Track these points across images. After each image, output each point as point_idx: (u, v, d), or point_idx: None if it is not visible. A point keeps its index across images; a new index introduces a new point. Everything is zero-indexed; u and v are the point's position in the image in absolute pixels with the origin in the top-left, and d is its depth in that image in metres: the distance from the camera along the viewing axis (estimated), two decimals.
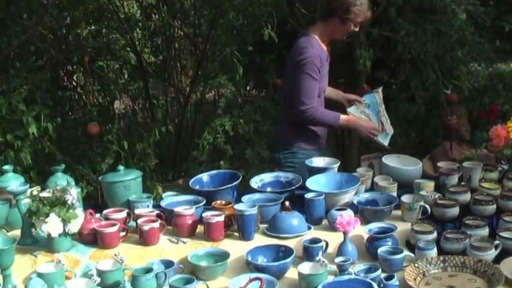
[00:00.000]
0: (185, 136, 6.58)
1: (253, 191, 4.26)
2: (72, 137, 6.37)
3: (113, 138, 5.87)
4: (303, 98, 4.55)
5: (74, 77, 6.93)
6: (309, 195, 3.98)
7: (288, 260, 3.50)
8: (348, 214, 3.66)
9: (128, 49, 7.25)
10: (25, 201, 3.77)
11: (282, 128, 4.94)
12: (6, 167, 4.24)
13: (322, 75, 4.67)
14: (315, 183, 4.22)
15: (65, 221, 3.63)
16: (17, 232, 4.05)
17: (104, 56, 7.10)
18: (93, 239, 3.80)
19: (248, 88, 7.59)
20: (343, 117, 4.71)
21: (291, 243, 3.72)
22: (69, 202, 3.68)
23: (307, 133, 4.76)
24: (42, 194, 3.71)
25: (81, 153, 6.07)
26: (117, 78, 7.29)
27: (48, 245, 3.75)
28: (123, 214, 3.97)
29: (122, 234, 3.83)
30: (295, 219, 3.83)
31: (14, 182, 4.08)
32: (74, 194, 3.71)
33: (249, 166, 5.51)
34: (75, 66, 6.93)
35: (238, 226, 3.79)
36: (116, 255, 3.58)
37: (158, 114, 6.41)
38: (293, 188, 4.25)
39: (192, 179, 4.43)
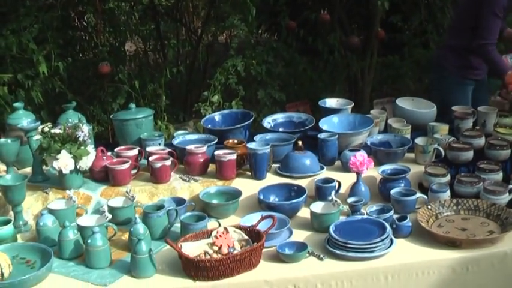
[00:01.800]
0: (196, 77, 6.51)
1: (265, 131, 4.22)
2: (83, 77, 6.32)
3: (124, 78, 5.81)
4: (487, 34, 4.52)
5: (85, 18, 6.83)
6: (322, 135, 3.95)
7: (300, 199, 3.50)
8: (362, 155, 3.63)
9: None
10: (36, 138, 3.74)
11: (442, 52, 5.01)
12: (16, 104, 4.22)
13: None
14: (327, 123, 4.19)
15: (76, 158, 3.61)
16: (28, 170, 4.06)
17: None
18: (104, 176, 3.79)
19: (260, 31, 7.50)
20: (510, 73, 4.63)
21: (303, 182, 3.72)
22: (80, 139, 3.66)
23: (467, 62, 4.76)
24: (53, 131, 3.68)
25: (91, 94, 6.03)
26: (128, 19, 7.21)
27: (59, 182, 3.75)
28: (134, 152, 3.95)
29: (134, 171, 3.83)
30: (307, 159, 3.81)
31: (24, 119, 4.06)
32: (85, 130, 3.69)
33: (260, 107, 5.46)
34: (85, 7, 6.83)
35: (250, 165, 3.77)
36: (127, 193, 3.57)
37: (170, 55, 6.35)
38: (306, 128, 4.22)
39: (204, 118, 4.41)
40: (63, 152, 3.60)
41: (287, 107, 4.95)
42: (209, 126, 4.30)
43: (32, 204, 3.68)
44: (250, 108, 4.81)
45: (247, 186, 3.69)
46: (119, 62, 6.37)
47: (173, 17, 7.06)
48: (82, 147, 3.65)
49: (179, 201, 3.53)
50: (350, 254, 3.04)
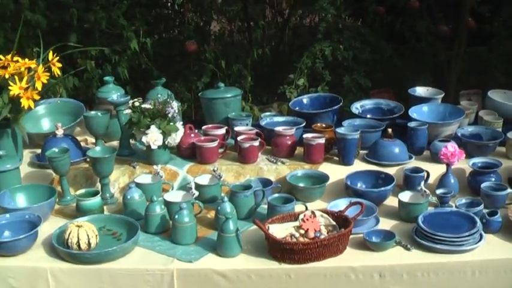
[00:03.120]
0: (281, 59, 6.48)
1: (352, 117, 4.16)
2: (169, 55, 6.35)
3: (210, 56, 5.83)
4: None
5: None
6: (412, 124, 3.88)
7: (389, 187, 3.45)
8: (453, 146, 3.54)
9: None
10: (126, 113, 3.77)
11: None
12: (107, 78, 4.27)
13: None
14: (417, 112, 4.11)
15: (165, 134, 3.63)
16: (114, 143, 4.11)
17: None
18: (191, 153, 3.81)
19: (344, 16, 7.40)
20: None
21: (390, 171, 3.66)
22: (169, 115, 3.68)
23: None
24: (143, 106, 3.70)
25: (176, 71, 6.04)
26: None
27: (146, 156, 3.78)
28: (222, 131, 3.96)
29: (221, 150, 3.83)
30: (396, 147, 3.75)
31: (114, 93, 4.11)
32: (175, 107, 3.71)
33: (345, 93, 5.40)
34: None
35: (338, 150, 3.73)
36: (214, 171, 3.58)
37: (257, 36, 6.32)
38: (395, 116, 4.15)
39: (292, 101, 4.39)
40: (153, 127, 3.62)
41: (371, 94, 4.88)
42: (297, 108, 4.26)
43: (118, 177, 3.73)
44: (335, 93, 4.75)
45: (334, 171, 3.65)
46: (203, 41, 6.38)
47: None
48: (171, 123, 3.67)
49: (266, 183, 3.52)
50: (438, 246, 2.98)
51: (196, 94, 5.80)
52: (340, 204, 3.29)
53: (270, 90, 5.99)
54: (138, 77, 5.94)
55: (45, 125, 4.38)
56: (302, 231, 3.02)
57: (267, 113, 4.44)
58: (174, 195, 3.41)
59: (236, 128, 3.97)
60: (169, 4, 7.01)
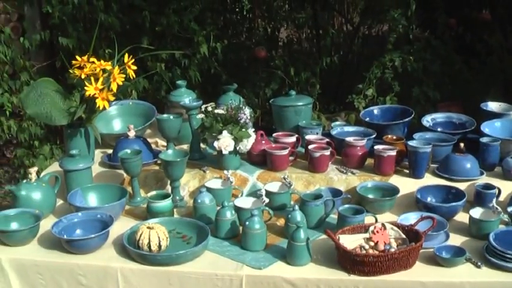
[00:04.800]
0: (350, 69, 6.47)
1: (422, 130, 4.12)
2: (237, 60, 6.39)
3: (280, 63, 5.85)
4: None
5: (244, 0, 6.90)
6: (484, 140, 3.82)
7: (460, 202, 3.40)
8: None
9: None
10: (199, 117, 3.81)
11: None
12: (179, 82, 4.32)
13: None
14: (489, 128, 4.04)
15: (236, 139, 3.66)
16: (184, 147, 4.15)
17: None
18: (261, 159, 3.83)
19: (412, 27, 7.34)
20: None
21: (461, 186, 3.60)
22: (242, 121, 3.71)
23: None
24: (216, 111, 3.73)
25: (244, 77, 6.08)
26: (284, 6, 7.24)
27: (217, 161, 3.81)
28: (292, 138, 3.97)
29: (291, 158, 3.83)
30: (468, 163, 3.70)
31: (186, 97, 4.15)
32: (247, 113, 3.73)
33: (413, 104, 5.36)
34: None
35: (409, 163, 3.70)
36: (284, 179, 3.58)
37: (327, 44, 6.33)
38: (466, 130, 4.09)
39: (363, 111, 4.37)
40: (225, 133, 3.65)
41: (439, 106, 4.83)
42: (367, 119, 4.25)
43: (189, 181, 3.77)
44: (403, 104, 4.72)
45: (404, 184, 3.62)
46: (272, 47, 6.41)
47: (332, 6, 7.02)
48: (243, 130, 3.69)
49: (336, 193, 3.52)
50: (509, 265, 2.92)
51: (264, 100, 5.84)
52: (410, 218, 3.27)
53: (338, 99, 5.98)
54: (206, 81, 5.98)
55: (117, 126, 4.45)
56: (372, 243, 3.00)
57: (337, 123, 4.44)
58: (244, 202, 3.43)
59: (307, 137, 3.97)
60: (237, 9, 7.06)
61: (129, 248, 3.06)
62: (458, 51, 6.32)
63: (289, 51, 6.65)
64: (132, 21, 5.78)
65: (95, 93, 3.63)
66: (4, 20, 6.51)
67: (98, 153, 4.15)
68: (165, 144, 4.11)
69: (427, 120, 4.24)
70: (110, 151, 4.12)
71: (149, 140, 4.15)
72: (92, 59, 3.75)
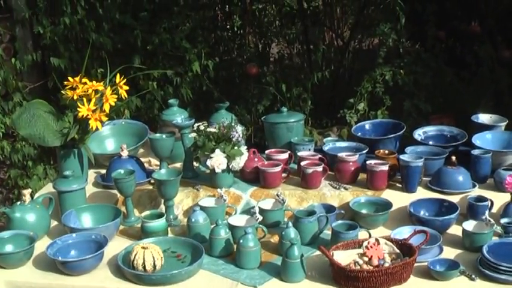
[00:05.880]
0: (341, 83, 6.49)
1: (413, 143, 4.14)
2: (229, 77, 6.41)
3: (271, 80, 5.87)
4: None
5: (235, 17, 6.92)
6: (475, 152, 3.84)
7: (453, 215, 3.42)
8: None
9: None
10: (191, 136, 3.82)
11: None
12: (171, 101, 4.34)
13: None
14: (480, 140, 4.07)
15: (229, 158, 3.68)
16: (177, 165, 4.16)
17: None
18: (254, 177, 3.84)
19: (402, 40, 7.37)
20: None
21: (453, 199, 3.62)
22: (234, 139, 3.72)
23: None
24: (208, 129, 3.75)
25: (236, 94, 6.09)
26: (274, 22, 7.27)
27: (210, 180, 3.83)
28: (285, 155, 3.98)
29: (284, 175, 3.84)
30: (460, 175, 3.72)
31: (178, 115, 4.17)
32: (239, 131, 3.75)
33: (405, 118, 5.38)
34: (233, 8, 6.94)
35: (402, 177, 3.72)
36: (277, 196, 3.60)
37: (318, 59, 6.35)
38: (458, 143, 4.12)
39: (354, 126, 4.39)
40: (217, 151, 3.67)
41: (431, 119, 4.85)
42: (359, 134, 4.27)
43: (182, 200, 3.78)
44: (394, 117, 4.74)
45: (397, 198, 3.64)
46: (263, 64, 6.43)
47: (321, 22, 7.05)
48: (236, 148, 3.70)
49: (329, 208, 3.53)
50: (503, 276, 2.94)
51: (256, 117, 5.85)
52: (403, 232, 3.28)
53: (329, 114, 5.99)
54: (198, 99, 5.99)
55: (110, 146, 4.46)
56: (366, 259, 3.01)
57: (329, 138, 4.46)
58: (238, 219, 3.44)
59: (299, 153, 3.99)
60: (228, 26, 7.09)
61: (124, 269, 3.07)
62: (448, 63, 6.35)
63: (280, 67, 6.67)
64: (124, 41, 5.80)
65: (87, 114, 3.64)
66: None
67: (92, 174, 4.16)
68: (158, 163, 4.11)
69: (419, 133, 4.26)
70: (103, 171, 4.13)
71: (142, 159, 4.17)
72: (84, 80, 3.76)
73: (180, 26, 5.89)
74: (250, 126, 5.82)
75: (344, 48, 6.80)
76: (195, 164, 4.00)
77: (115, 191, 3.83)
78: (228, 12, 7.06)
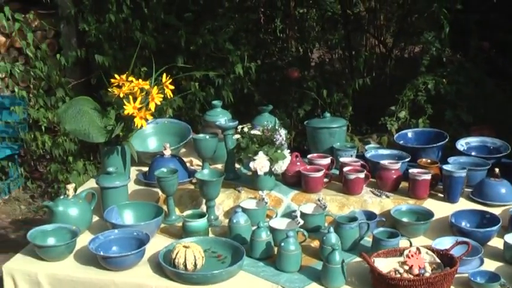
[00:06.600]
0: (382, 90, 6.47)
1: (455, 153, 4.12)
2: (269, 80, 6.43)
3: (313, 85, 5.87)
4: None
5: (277, 21, 6.94)
6: None
7: (495, 228, 3.39)
8: None
9: None
10: (234, 137, 3.84)
11: None
12: (215, 102, 4.36)
13: None
14: None
15: (272, 161, 3.68)
16: (218, 166, 4.17)
17: (307, 2, 7.08)
18: (296, 181, 3.85)
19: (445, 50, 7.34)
20: None
21: (495, 211, 3.59)
22: (277, 142, 3.73)
23: None
24: (252, 132, 3.77)
25: (277, 97, 6.11)
26: (317, 26, 7.28)
27: (251, 182, 3.84)
28: (327, 160, 3.98)
29: (325, 180, 3.84)
30: (503, 188, 3.69)
31: (221, 117, 4.19)
32: (282, 135, 3.76)
33: (446, 128, 5.36)
34: (275, 12, 6.96)
35: (444, 187, 3.71)
36: (319, 200, 3.60)
37: (359, 65, 6.35)
38: (501, 155, 4.09)
39: (397, 134, 4.38)
40: (260, 154, 3.68)
41: (472, 130, 4.83)
42: (401, 142, 4.25)
43: (223, 201, 3.80)
44: (435, 127, 4.71)
45: (439, 208, 3.62)
46: (305, 68, 6.44)
47: (364, 28, 7.04)
48: (279, 151, 3.71)
49: (370, 215, 3.52)
50: None
51: (296, 121, 5.86)
52: (444, 242, 3.27)
53: (369, 121, 5.98)
54: (239, 101, 6.02)
55: (152, 144, 4.50)
56: (406, 267, 3.00)
57: (371, 145, 4.46)
58: (279, 222, 3.45)
59: (341, 159, 3.99)
60: (269, 30, 7.10)
61: (165, 266, 3.09)
62: (490, 74, 6.31)
63: (320, 72, 6.67)
64: (167, 40, 5.84)
65: (133, 112, 3.67)
66: (40, 36, 6.61)
67: (133, 171, 4.19)
68: (199, 163, 4.15)
69: (461, 144, 4.23)
70: (144, 169, 4.16)
71: (184, 158, 4.19)
72: (130, 78, 3.80)
73: (223, 27, 5.92)
74: (290, 130, 5.84)
75: (387, 55, 6.78)
76: (236, 165, 4.02)
77: (156, 189, 3.86)
78: (271, 16, 7.08)
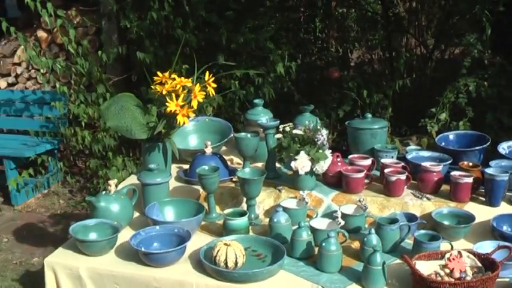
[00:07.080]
0: (423, 92, 6.43)
1: (496, 157, 4.09)
2: (309, 80, 6.42)
3: (353, 85, 5.85)
4: None
5: (317, 21, 6.94)
6: None
7: None
8: None
9: None
10: (275, 136, 3.85)
11: None
12: (257, 101, 4.38)
13: None
14: None
15: (313, 160, 3.69)
16: (259, 165, 4.19)
17: (347, 2, 7.06)
18: (336, 181, 3.85)
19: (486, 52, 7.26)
20: None
21: None
22: (319, 142, 3.73)
23: None
24: (294, 131, 3.77)
25: (316, 97, 6.10)
26: (356, 26, 7.26)
27: (292, 181, 3.85)
28: (368, 161, 3.98)
29: (366, 181, 3.84)
30: None
31: (263, 115, 4.20)
32: (324, 135, 3.76)
33: (487, 131, 5.31)
34: (315, 11, 6.95)
35: (486, 190, 3.68)
36: (359, 201, 3.60)
37: (400, 67, 6.31)
38: None
39: (438, 136, 4.35)
40: (302, 153, 3.68)
41: None
42: (443, 144, 4.23)
43: (264, 199, 3.81)
44: (475, 129, 4.67)
45: (480, 212, 3.60)
46: (344, 68, 6.43)
47: (405, 29, 7.00)
48: (320, 151, 3.71)
49: (411, 217, 3.51)
50: None
51: (335, 121, 5.85)
52: (485, 246, 3.24)
53: (409, 122, 5.95)
54: (278, 100, 6.02)
55: (192, 142, 4.53)
56: (447, 271, 2.99)
57: (412, 147, 4.44)
58: (319, 222, 3.46)
59: (382, 160, 3.99)
60: (309, 29, 7.10)
61: (206, 264, 3.11)
62: None
63: (360, 73, 6.65)
64: (208, 38, 5.86)
65: (175, 110, 3.70)
66: (82, 33, 6.67)
67: (174, 168, 4.23)
68: (240, 161, 4.16)
69: (503, 147, 4.20)
70: (185, 166, 4.19)
71: (224, 156, 4.21)
72: (173, 76, 3.83)
73: (264, 26, 5.93)
74: (334, 131, 5.83)
75: (427, 56, 6.73)
76: (277, 164, 4.03)
77: (197, 187, 3.89)
78: (311, 15, 7.07)
